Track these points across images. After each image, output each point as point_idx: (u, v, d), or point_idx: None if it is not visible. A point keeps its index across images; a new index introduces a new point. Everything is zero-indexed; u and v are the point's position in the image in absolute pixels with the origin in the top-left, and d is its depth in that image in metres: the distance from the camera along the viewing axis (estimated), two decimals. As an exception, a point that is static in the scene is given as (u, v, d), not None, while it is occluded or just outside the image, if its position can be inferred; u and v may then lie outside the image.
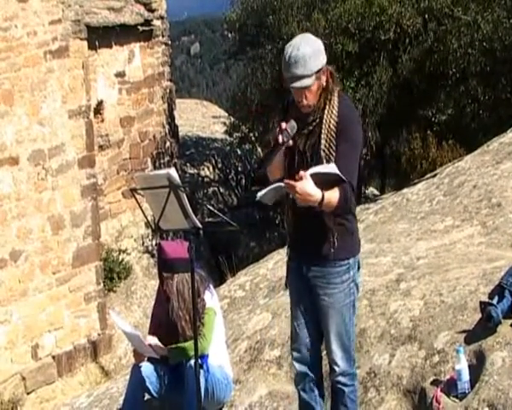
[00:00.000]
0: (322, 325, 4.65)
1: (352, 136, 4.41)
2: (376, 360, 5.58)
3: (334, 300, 4.55)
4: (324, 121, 4.39)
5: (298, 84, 4.33)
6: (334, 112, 4.40)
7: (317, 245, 4.50)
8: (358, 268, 4.67)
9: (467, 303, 5.60)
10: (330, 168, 4.24)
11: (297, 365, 4.82)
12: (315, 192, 4.15)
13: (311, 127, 4.43)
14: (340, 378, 4.66)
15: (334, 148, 4.37)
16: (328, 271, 4.53)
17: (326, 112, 4.40)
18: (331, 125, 4.37)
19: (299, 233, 4.60)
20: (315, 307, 4.63)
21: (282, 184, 4.23)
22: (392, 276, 6.55)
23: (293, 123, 4.38)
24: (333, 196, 4.22)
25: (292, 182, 4.16)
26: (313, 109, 4.42)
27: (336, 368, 4.64)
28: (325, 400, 4.90)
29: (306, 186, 4.13)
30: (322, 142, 4.37)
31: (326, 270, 4.53)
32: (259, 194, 4.32)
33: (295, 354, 4.82)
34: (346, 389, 4.67)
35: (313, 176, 4.16)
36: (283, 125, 4.38)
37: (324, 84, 4.41)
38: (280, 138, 4.35)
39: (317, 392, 4.84)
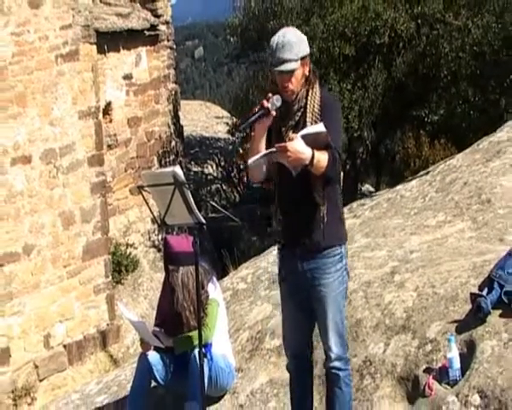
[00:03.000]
0: (317, 314, 4.70)
1: (335, 115, 4.56)
2: (372, 349, 5.63)
3: (330, 289, 4.62)
4: (308, 106, 4.53)
5: (284, 67, 4.44)
6: (316, 97, 4.54)
7: (309, 235, 4.57)
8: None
9: (458, 295, 5.66)
10: (318, 127, 4.34)
11: (290, 357, 4.99)
12: (305, 150, 4.25)
13: (297, 117, 4.56)
14: (336, 363, 4.71)
15: None
16: (323, 262, 4.60)
17: (309, 98, 4.54)
18: (315, 109, 4.52)
19: (290, 228, 4.65)
20: (310, 299, 4.70)
21: (273, 149, 4.32)
22: (386, 269, 6.59)
23: (278, 96, 4.48)
24: (322, 155, 4.32)
25: (283, 143, 4.27)
26: (297, 99, 4.55)
27: (332, 354, 4.69)
28: (313, 391, 5.09)
29: (296, 144, 4.24)
30: (308, 125, 4.47)
31: (321, 261, 4.60)
32: (250, 160, 4.42)
33: (289, 348, 4.97)
34: (340, 374, 4.73)
35: (303, 138, 4.27)
36: (270, 94, 4.49)
37: (307, 74, 4.56)
38: (265, 103, 4.45)
39: (309, 382, 5.01)
